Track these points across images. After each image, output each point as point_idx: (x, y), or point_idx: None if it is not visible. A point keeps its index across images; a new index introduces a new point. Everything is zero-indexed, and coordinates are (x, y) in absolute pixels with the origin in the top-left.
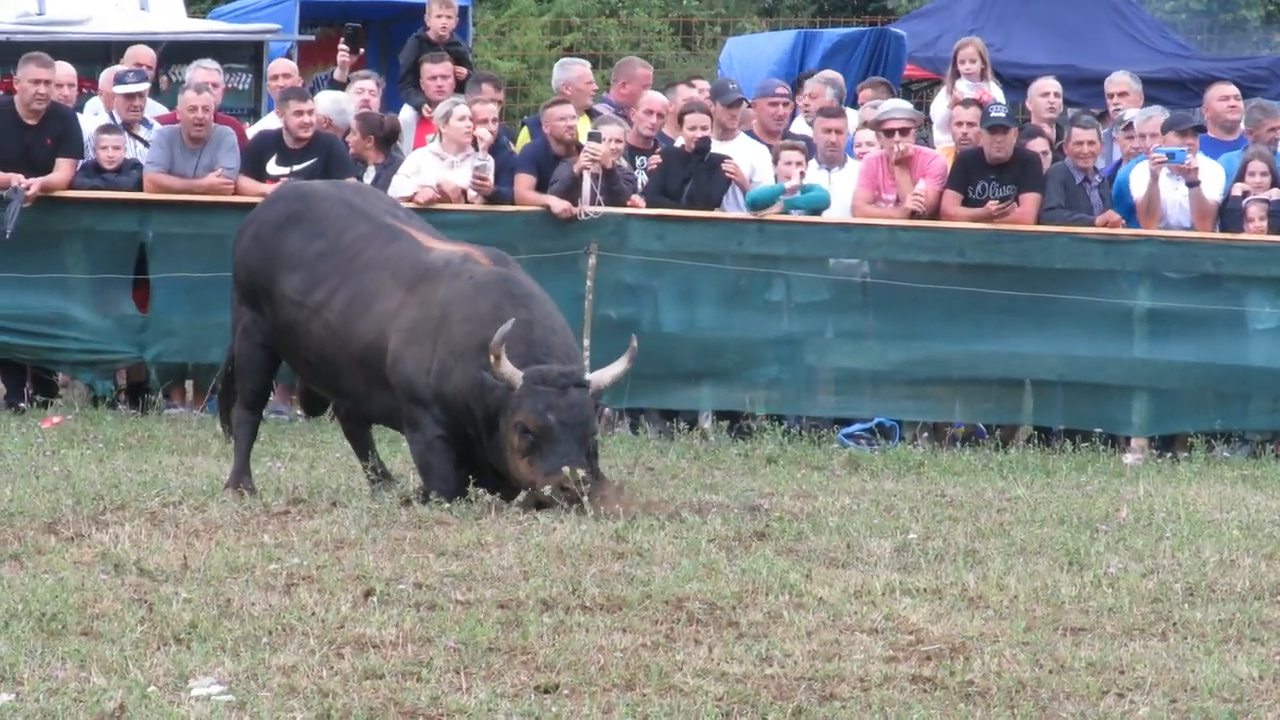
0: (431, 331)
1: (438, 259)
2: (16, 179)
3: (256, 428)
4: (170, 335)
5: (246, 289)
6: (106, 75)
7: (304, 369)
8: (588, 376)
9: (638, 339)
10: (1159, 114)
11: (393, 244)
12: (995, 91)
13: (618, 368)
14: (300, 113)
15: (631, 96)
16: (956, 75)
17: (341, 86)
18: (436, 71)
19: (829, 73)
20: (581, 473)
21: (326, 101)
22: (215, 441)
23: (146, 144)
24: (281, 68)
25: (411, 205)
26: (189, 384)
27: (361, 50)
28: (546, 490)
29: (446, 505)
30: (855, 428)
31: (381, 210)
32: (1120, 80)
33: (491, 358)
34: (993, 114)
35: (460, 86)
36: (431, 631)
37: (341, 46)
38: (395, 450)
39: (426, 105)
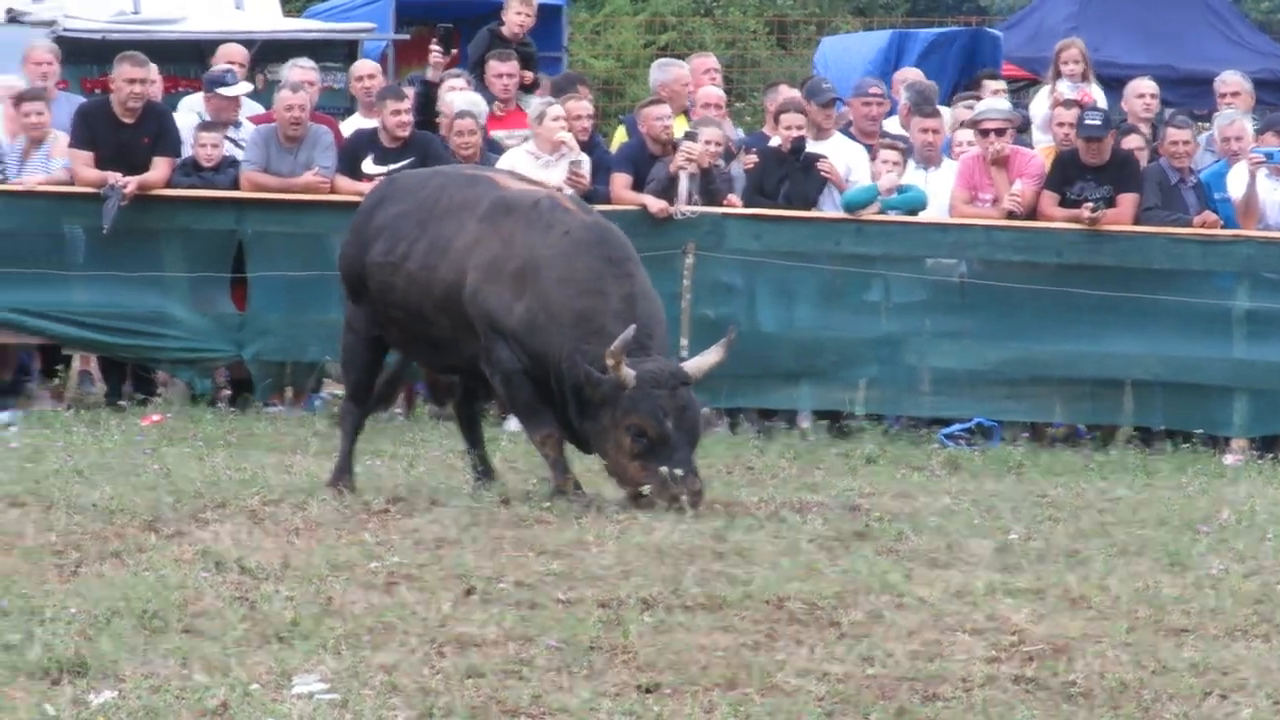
0: (517, 274)
1: (522, 196)
2: (114, 177)
3: (361, 421)
4: (268, 333)
5: (348, 280)
6: (209, 74)
7: (396, 333)
8: (686, 368)
9: (736, 337)
10: (1241, 118)
11: (472, 188)
12: (1096, 93)
13: (713, 356)
14: (397, 112)
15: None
16: (1058, 75)
17: (435, 86)
18: (502, 69)
19: (910, 71)
20: (698, 484)
21: (462, 101)
22: (315, 439)
23: (236, 143)
24: (365, 69)
25: None
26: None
27: (454, 50)
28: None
29: (549, 433)
30: (955, 428)
31: (463, 166)
32: (1232, 80)
33: (610, 362)
34: (1087, 121)
35: (526, 89)
36: (532, 630)
37: (434, 46)
38: (494, 449)
39: (498, 103)
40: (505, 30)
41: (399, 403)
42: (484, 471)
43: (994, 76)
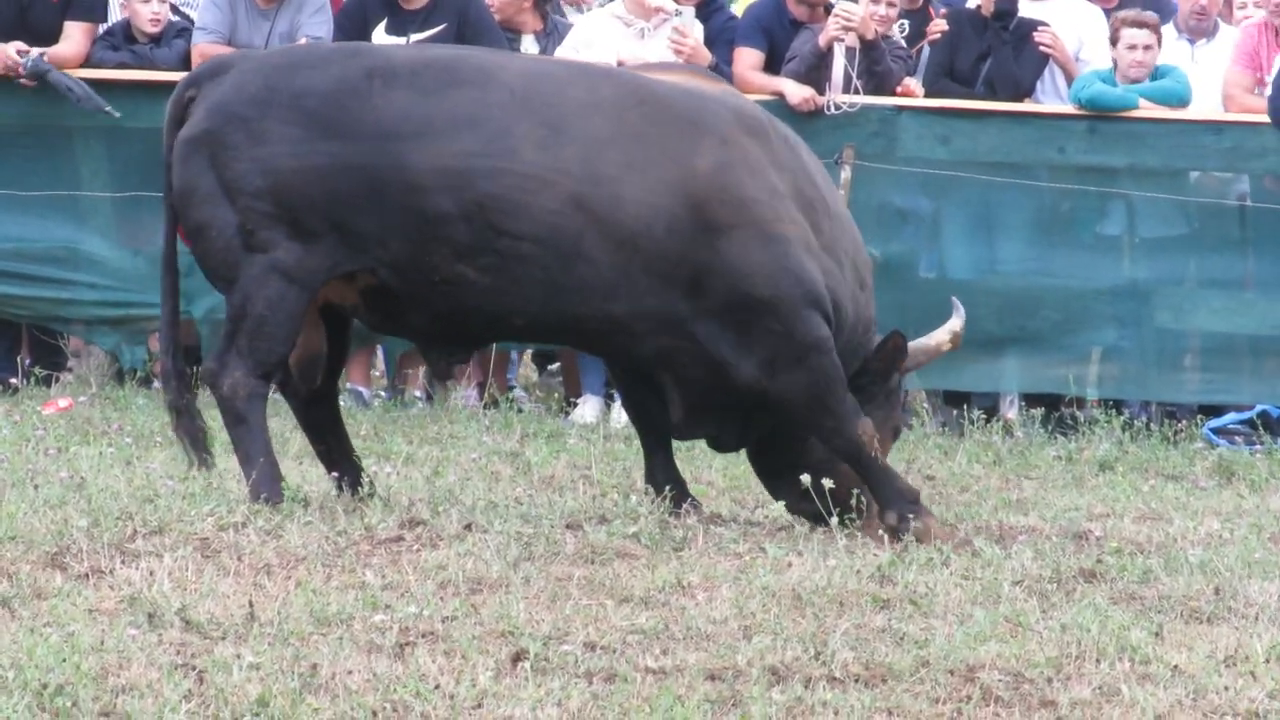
0: (808, 218)
1: (735, 99)
2: (14, 48)
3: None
4: None
5: (281, 204)
6: None
7: (490, 274)
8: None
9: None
10: None
11: (611, 78)
12: None
13: (936, 340)
14: None
15: None
16: None
17: None
18: None
19: None
20: None
21: None
22: (296, 435)
23: (176, 8)
24: None
25: None
26: None
27: None
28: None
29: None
30: (1228, 419)
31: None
32: None
33: (944, 341)
34: None
35: None
36: (610, 713)
37: None
38: (558, 448)
39: None
40: None
41: (419, 385)
42: (354, 481)
43: None
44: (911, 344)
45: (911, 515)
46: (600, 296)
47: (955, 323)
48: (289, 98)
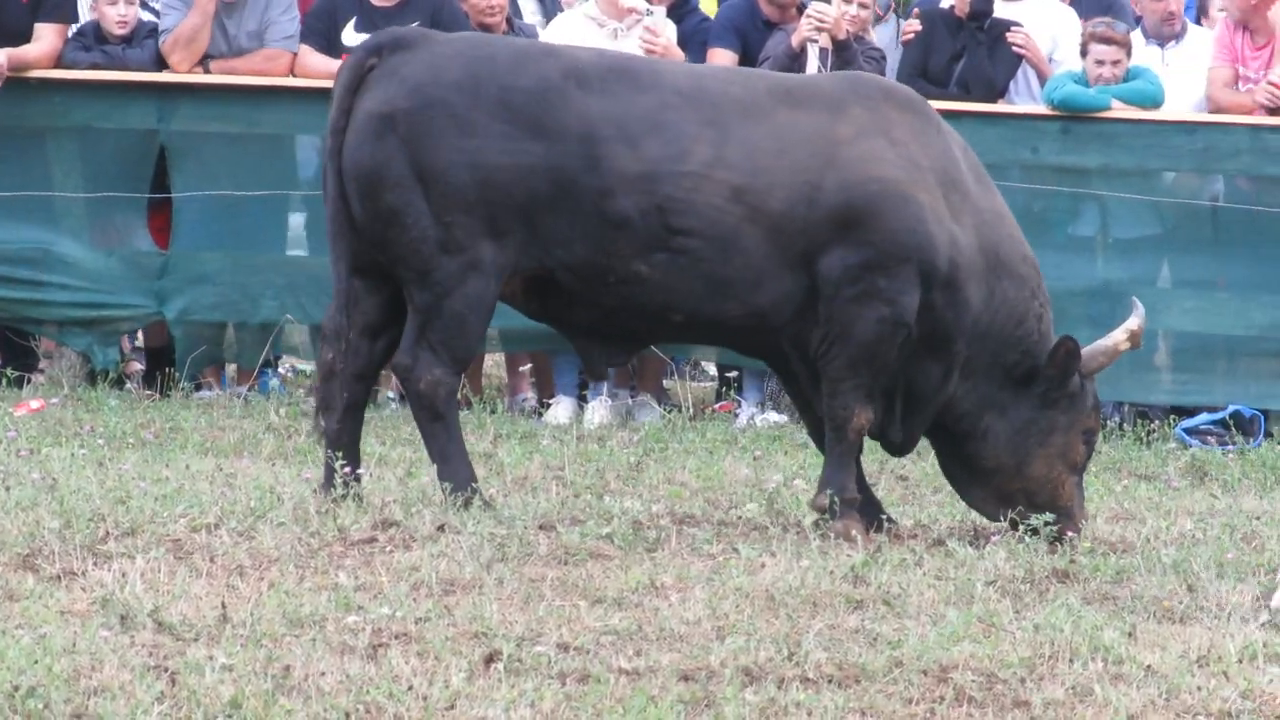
0: (945, 196)
1: (888, 81)
2: None
3: None
4: (202, 282)
5: (483, 199)
6: None
7: (661, 271)
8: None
9: None
10: None
11: (764, 77)
12: None
13: (1114, 340)
14: None
15: None
16: None
17: None
18: None
19: None
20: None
21: None
22: (268, 436)
23: (147, 4)
24: None
25: None
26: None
27: None
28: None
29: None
30: (1201, 420)
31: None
32: None
33: (1123, 341)
34: None
35: None
36: (583, 714)
37: None
38: (531, 449)
39: None
40: None
41: (393, 386)
42: (353, 469)
43: None
44: (1090, 346)
45: (836, 508)
46: (749, 288)
47: (1134, 321)
48: (497, 91)
